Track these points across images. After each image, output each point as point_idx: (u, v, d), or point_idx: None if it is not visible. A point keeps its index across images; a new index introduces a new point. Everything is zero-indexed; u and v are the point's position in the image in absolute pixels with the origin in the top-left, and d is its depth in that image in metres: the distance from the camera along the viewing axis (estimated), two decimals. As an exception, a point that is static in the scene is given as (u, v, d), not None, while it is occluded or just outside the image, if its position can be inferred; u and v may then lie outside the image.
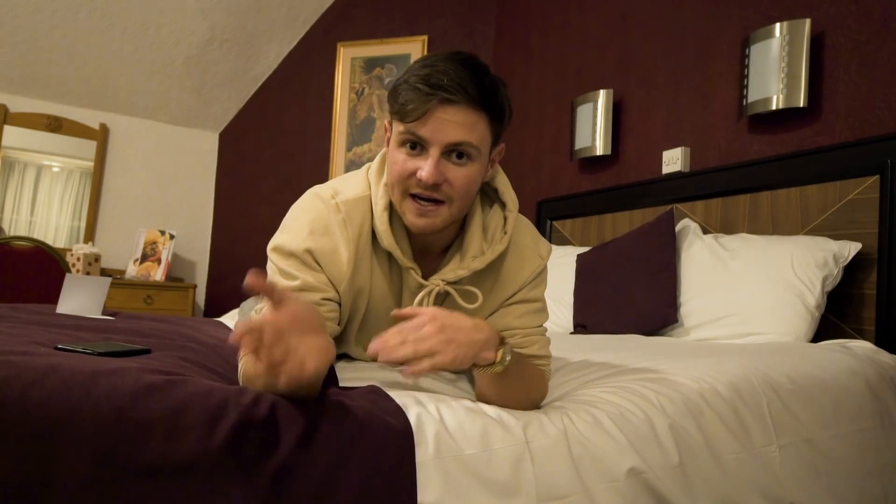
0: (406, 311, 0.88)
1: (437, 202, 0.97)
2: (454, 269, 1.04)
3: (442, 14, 3.78)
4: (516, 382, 0.97)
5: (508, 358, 0.92)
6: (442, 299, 1.08)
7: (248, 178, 4.22)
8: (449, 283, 1.05)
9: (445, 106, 0.92)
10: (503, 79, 0.99)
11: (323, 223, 1.02)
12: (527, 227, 1.14)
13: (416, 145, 0.95)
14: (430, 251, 1.08)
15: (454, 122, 0.92)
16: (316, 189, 1.07)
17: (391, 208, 1.03)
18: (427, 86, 0.91)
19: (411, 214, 0.98)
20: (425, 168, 0.93)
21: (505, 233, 1.07)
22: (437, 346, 0.83)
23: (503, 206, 1.10)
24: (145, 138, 4.12)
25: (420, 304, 1.04)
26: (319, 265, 1.00)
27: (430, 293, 1.04)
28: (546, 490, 0.87)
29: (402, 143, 0.96)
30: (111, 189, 4.02)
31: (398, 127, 0.96)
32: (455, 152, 0.94)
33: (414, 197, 0.97)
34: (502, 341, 0.94)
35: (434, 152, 0.93)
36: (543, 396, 1.06)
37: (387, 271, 1.06)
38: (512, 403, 0.97)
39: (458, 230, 1.08)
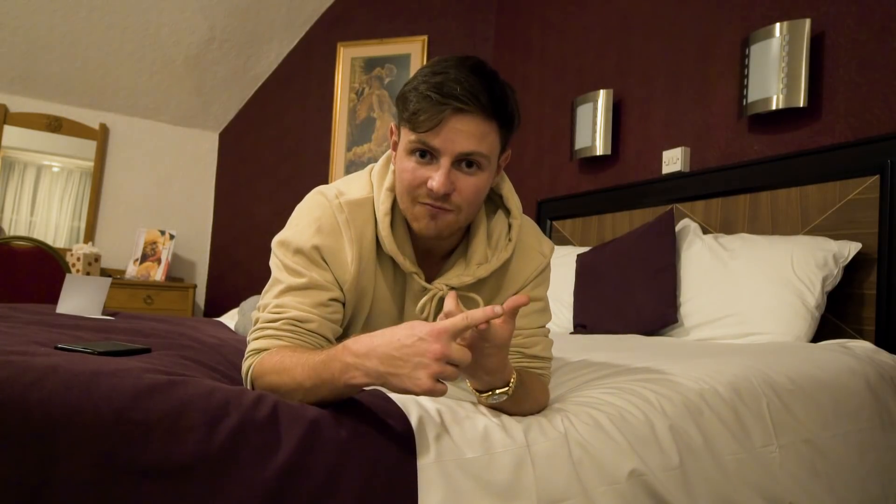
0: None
1: (446, 210, 0.97)
2: (458, 275, 1.04)
3: (442, 14, 3.78)
4: (523, 402, 0.96)
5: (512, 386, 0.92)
6: (441, 304, 1.08)
7: (248, 178, 4.22)
8: (451, 289, 1.05)
9: (458, 115, 0.91)
10: (511, 84, 0.98)
11: (329, 222, 1.01)
12: (529, 225, 1.14)
13: (426, 154, 0.94)
14: (433, 255, 1.08)
15: (466, 132, 0.92)
16: (321, 188, 1.07)
17: (393, 213, 1.03)
18: (439, 94, 0.90)
19: (422, 219, 0.98)
20: (436, 178, 0.93)
21: (510, 240, 1.07)
22: None
23: (507, 212, 1.09)
24: (145, 138, 4.12)
25: (422, 308, 1.04)
26: (326, 263, 1.00)
27: (432, 298, 1.04)
28: (547, 493, 0.87)
29: (412, 152, 0.95)
30: (111, 189, 4.02)
31: (408, 135, 0.95)
32: (465, 161, 0.94)
33: (423, 204, 0.97)
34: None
35: (445, 162, 0.93)
36: (547, 401, 1.06)
37: (390, 274, 1.06)
38: (520, 415, 0.97)
39: (463, 235, 1.08)
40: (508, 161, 1.06)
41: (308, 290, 0.98)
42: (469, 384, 0.94)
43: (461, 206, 0.96)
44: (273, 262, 1.03)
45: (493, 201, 1.11)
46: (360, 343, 0.79)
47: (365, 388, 0.91)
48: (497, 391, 0.90)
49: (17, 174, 3.81)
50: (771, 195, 2.09)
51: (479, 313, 0.77)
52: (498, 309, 0.77)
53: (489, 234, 1.08)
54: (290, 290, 0.98)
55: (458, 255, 1.07)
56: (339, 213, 1.02)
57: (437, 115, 0.90)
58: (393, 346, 0.76)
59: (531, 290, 1.11)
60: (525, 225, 1.13)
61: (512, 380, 0.90)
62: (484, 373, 0.87)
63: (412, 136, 0.94)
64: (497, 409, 0.94)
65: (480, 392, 0.91)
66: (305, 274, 0.98)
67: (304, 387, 0.84)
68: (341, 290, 1.01)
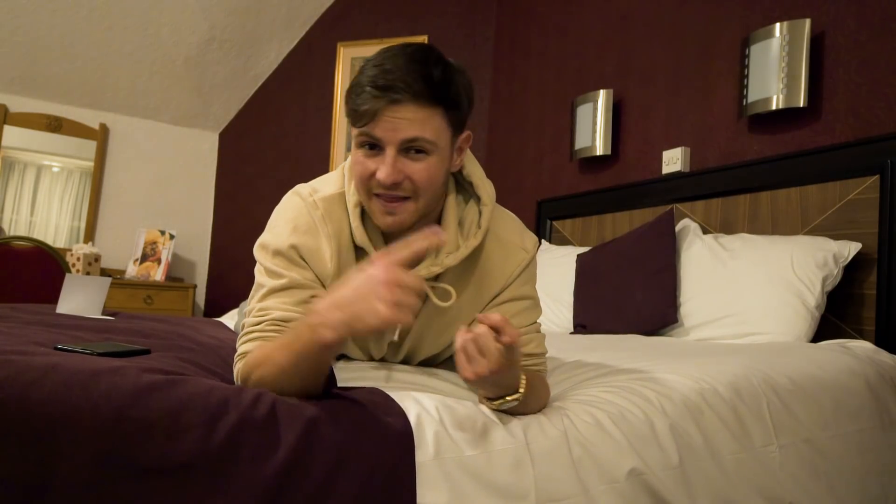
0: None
1: (403, 199, 0.97)
2: (428, 266, 1.03)
3: (442, 14, 3.78)
4: (530, 403, 0.96)
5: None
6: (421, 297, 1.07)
7: (248, 178, 4.22)
8: (425, 280, 1.04)
9: (393, 106, 0.91)
10: (460, 66, 0.98)
11: (305, 220, 1.02)
12: (510, 220, 1.13)
13: (374, 146, 0.95)
14: None
15: (405, 120, 0.92)
16: (296, 188, 1.08)
17: (363, 204, 1.03)
18: (374, 88, 0.91)
19: (379, 214, 0.98)
20: (382, 169, 0.93)
21: (479, 227, 1.06)
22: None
23: (479, 199, 1.09)
24: (145, 138, 4.12)
25: None
26: (305, 261, 1.01)
27: None
28: (546, 492, 0.87)
29: (360, 145, 0.96)
30: (111, 189, 4.02)
31: (354, 129, 0.96)
32: (412, 148, 0.94)
33: (378, 196, 0.97)
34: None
35: (390, 151, 0.93)
36: (549, 397, 1.06)
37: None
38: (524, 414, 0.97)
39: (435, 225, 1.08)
40: (471, 142, 1.05)
41: (289, 290, 0.98)
42: (481, 395, 0.93)
43: (417, 192, 0.96)
44: (256, 268, 1.03)
45: (466, 189, 1.10)
46: (322, 301, 0.80)
47: (354, 390, 0.91)
48: (509, 398, 0.90)
49: (17, 174, 3.81)
50: (771, 195, 2.09)
51: (418, 240, 0.78)
52: (438, 230, 0.79)
53: (461, 223, 1.07)
54: (272, 292, 0.98)
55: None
56: (313, 210, 1.02)
57: (373, 107, 0.91)
58: (348, 290, 0.77)
59: (517, 288, 1.10)
60: (506, 219, 1.12)
61: (522, 385, 0.90)
62: (497, 382, 0.87)
63: (356, 130, 0.95)
64: (504, 412, 0.94)
65: (492, 399, 0.92)
66: (285, 275, 0.99)
67: (286, 370, 0.84)
68: (323, 286, 1.02)
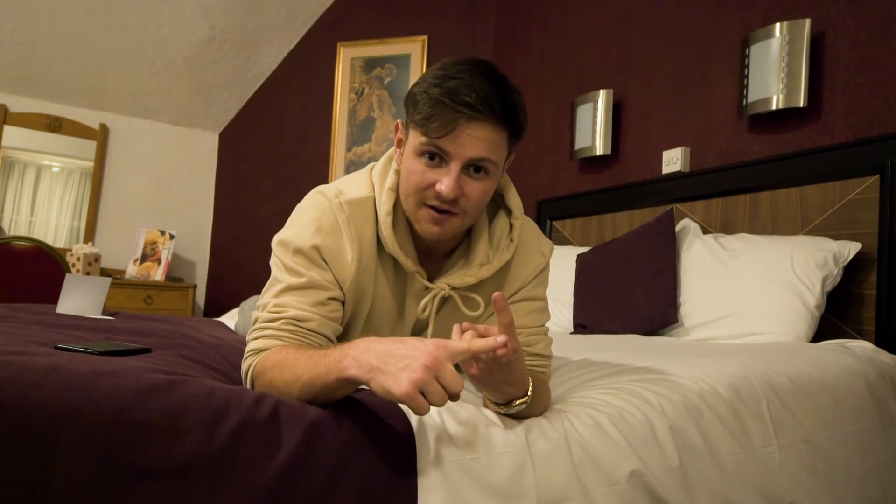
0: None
1: (453, 214, 0.97)
2: (461, 276, 1.04)
3: (442, 14, 3.78)
4: (535, 406, 0.97)
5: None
6: (442, 303, 1.08)
7: (248, 178, 4.22)
8: (453, 289, 1.05)
9: (471, 123, 0.91)
10: (519, 89, 0.98)
11: (329, 221, 1.01)
12: (529, 225, 1.14)
13: (436, 156, 0.94)
14: (435, 254, 1.08)
15: (478, 139, 0.92)
16: (321, 188, 1.07)
17: (395, 212, 1.03)
18: (452, 101, 0.90)
19: (426, 223, 0.98)
20: (445, 183, 0.93)
21: (511, 240, 1.07)
22: None
23: (509, 211, 1.10)
24: (145, 138, 4.12)
25: (424, 308, 1.04)
26: (325, 262, 1.00)
27: (434, 297, 1.04)
28: (547, 495, 0.87)
29: (422, 154, 0.95)
30: (111, 189, 4.02)
31: (419, 138, 0.95)
32: (474, 167, 0.95)
33: (428, 206, 0.97)
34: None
35: (455, 167, 0.93)
36: (549, 402, 1.06)
37: (391, 273, 1.06)
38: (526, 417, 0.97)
39: (464, 234, 1.08)
40: (511, 163, 1.06)
41: (307, 290, 0.98)
42: (488, 399, 0.94)
43: (467, 210, 0.97)
44: (273, 262, 1.03)
45: (495, 201, 1.11)
46: (367, 340, 0.80)
47: (357, 392, 0.92)
48: (517, 402, 0.90)
49: (17, 174, 3.81)
50: (771, 195, 2.09)
51: (481, 343, 0.78)
52: (501, 339, 0.78)
53: (491, 235, 1.08)
54: (290, 289, 0.98)
55: (459, 255, 1.08)
56: (338, 212, 1.02)
57: (450, 122, 0.90)
58: (394, 346, 0.77)
59: (531, 289, 1.11)
60: (525, 224, 1.13)
61: (529, 389, 0.91)
62: (507, 385, 0.88)
63: (423, 139, 0.94)
64: (509, 416, 0.94)
65: (499, 404, 0.92)
66: (305, 274, 0.98)
67: (301, 380, 0.84)
68: (341, 289, 1.01)
